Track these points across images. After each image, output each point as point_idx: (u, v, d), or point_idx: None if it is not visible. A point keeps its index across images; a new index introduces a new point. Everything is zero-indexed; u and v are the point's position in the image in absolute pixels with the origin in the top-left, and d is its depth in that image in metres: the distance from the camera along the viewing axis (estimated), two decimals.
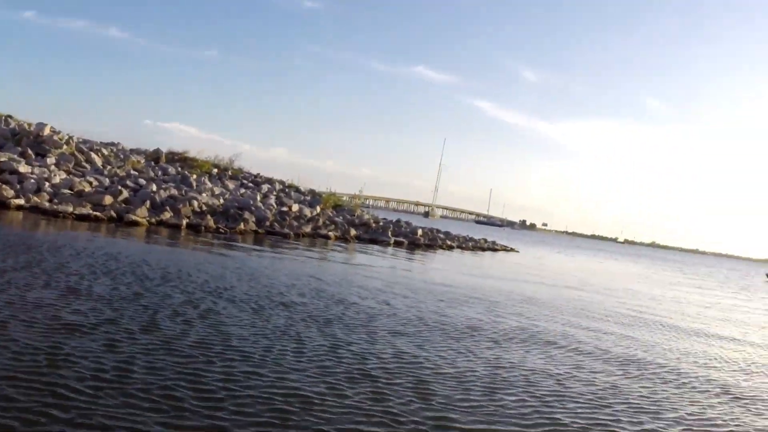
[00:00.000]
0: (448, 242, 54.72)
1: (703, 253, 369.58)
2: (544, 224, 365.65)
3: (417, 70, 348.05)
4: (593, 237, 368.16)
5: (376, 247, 41.57)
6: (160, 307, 13.50)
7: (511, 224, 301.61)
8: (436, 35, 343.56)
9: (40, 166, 35.43)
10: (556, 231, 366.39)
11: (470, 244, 59.36)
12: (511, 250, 66.70)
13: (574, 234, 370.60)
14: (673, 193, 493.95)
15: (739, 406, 12.12)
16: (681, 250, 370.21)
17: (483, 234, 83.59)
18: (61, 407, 7.56)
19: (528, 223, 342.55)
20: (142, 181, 37.92)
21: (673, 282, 54.16)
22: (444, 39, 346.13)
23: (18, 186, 32.29)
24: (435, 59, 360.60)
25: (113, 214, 32.11)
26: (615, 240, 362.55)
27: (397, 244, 46.45)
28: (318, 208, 46.78)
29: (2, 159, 34.37)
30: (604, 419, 10.04)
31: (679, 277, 65.52)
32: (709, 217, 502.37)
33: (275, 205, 43.47)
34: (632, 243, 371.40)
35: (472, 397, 10.19)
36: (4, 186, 31.42)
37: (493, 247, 63.22)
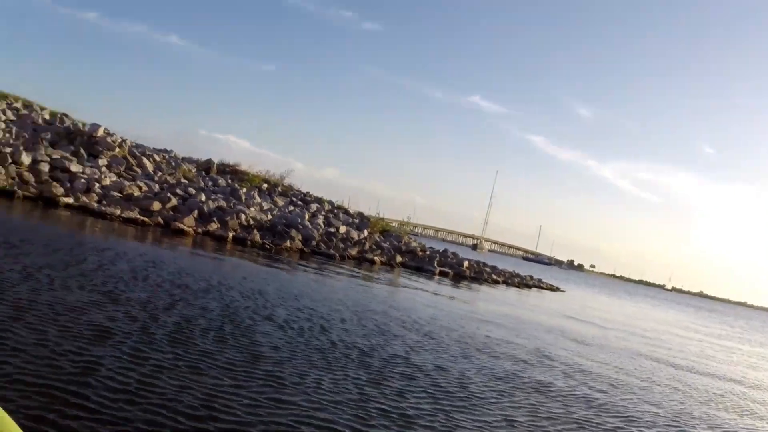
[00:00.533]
0: (494, 276, 53.80)
1: (751, 306, 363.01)
2: (592, 266, 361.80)
3: (473, 100, 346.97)
4: (641, 282, 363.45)
5: (421, 275, 40.89)
6: (195, 321, 13.00)
7: (558, 263, 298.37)
8: (493, 66, 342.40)
9: (91, 167, 35.34)
10: (603, 273, 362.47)
11: (516, 280, 58.39)
12: (557, 289, 65.49)
13: (621, 278, 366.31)
14: (723, 244, 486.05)
15: None
16: (729, 301, 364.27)
17: (530, 271, 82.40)
18: (75, 417, 7.08)
19: (576, 263, 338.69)
20: (191, 190, 37.69)
21: (722, 335, 52.74)
22: (501, 71, 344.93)
23: (68, 185, 32.19)
24: (491, 90, 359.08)
25: (160, 220, 31.89)
26: (662, 287, 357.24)
27: (443, 274, 45.75)
28: (365, 232, 46.26)
29: (55, 156, 34.34)
30: None
31: (727, 330, 63.97)
32: (757, 270, 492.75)
33: (323, 225, 43.01)
34: (680, 291, 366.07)
35: None
36: (54, 183, 31.36)
37: (539, 285, 62.13)
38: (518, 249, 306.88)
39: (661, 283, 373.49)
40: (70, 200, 30.55)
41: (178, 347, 10.73)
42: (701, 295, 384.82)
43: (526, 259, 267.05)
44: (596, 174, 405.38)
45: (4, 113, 39.39)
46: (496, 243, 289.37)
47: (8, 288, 12.14)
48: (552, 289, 63.80)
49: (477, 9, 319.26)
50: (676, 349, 30.68)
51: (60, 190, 30.89)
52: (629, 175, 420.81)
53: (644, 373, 20.12)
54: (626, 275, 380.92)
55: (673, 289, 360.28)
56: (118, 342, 10.27)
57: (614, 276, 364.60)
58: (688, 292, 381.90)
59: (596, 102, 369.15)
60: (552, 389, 14.29)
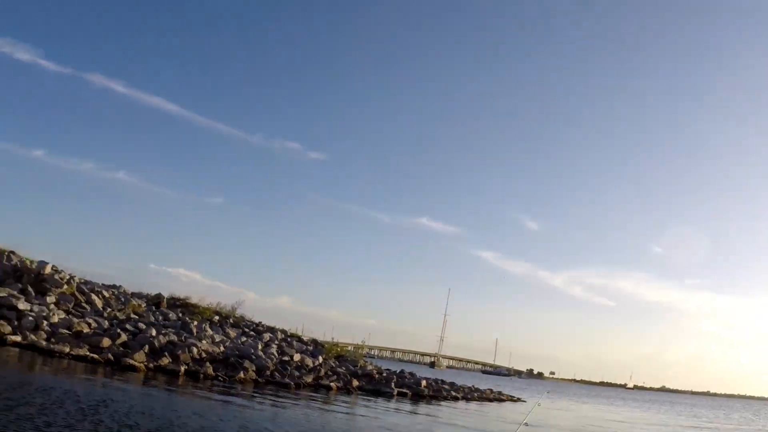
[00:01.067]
0: (453, 393, 53.22)
1: (714, 394, 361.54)
2: (552, 372, 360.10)
3: (421, 222, 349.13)
4: (602, 384, 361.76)
5: (379, 399, 40.35)
6: None
7: (518, 373, 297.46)
8: (439, 187, 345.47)
9: (39, 304, 34.98)
10: (564, 379, 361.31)
11: (476, 394, 57.79)
12: (518, 399, 64.98)
13: (582, 381, 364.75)
14: (679, 337, 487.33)
15: None
16: (692, 393, 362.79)
17: (490, 384, 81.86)
18: None
19: (535, 372, 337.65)
20: (142, 326, 37.24)
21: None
22: (447, 191, 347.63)
23: (16, 323, 31.82)
24: (438, 211, 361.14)
25: (110, 357, 31.40)
26: (624, 386, 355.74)
27: (401, 395, 45.18)
28: (320, 358, 45.85)
29: (2, 294, 33.98)
30: None
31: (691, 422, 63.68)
32: (716, 357, 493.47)
33: (276, 355, 42.56)
34: (642, 388, 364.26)
35: None
36: (1, 321, 31.00)
37: (500, 398, 61.46)
38: (476, 363, 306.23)
39: (623, 383, 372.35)
40: (17, 338, 30.15)
41: None
42: (663, 390, 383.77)
43: (485, 372, 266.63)
44: (548, 284, 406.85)
45: None
46: (453, 359, 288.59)
47: None
48: (513, 399, 63.34)
49: (419, 132, 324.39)
50: None
51: (8, 328, 30.52)
52: (581, 281, 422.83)
53: None
54: (587, 378, 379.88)
55: (635, 387, 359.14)
56: None
57: (575, 380, 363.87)
58: (650, 388, 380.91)
59: (543, 215, 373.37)
60: None
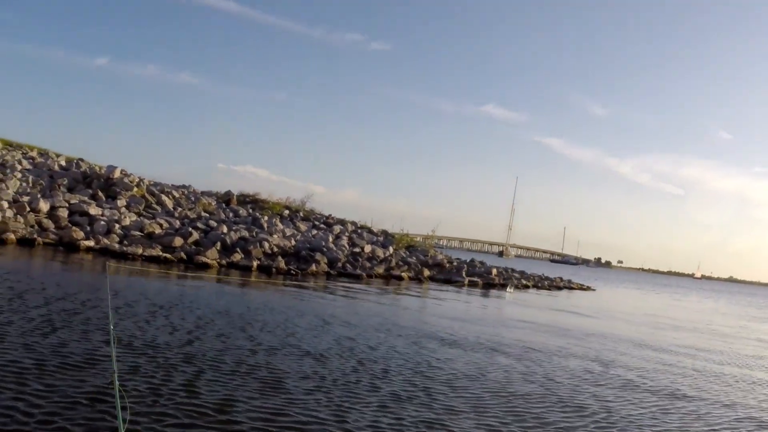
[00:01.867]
0: (524, 281, 53.09)
1: None
2: (620, 261, 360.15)
3: (486, 109, 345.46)
4: (669, 273, 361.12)
5: (450, 287, 40.33)
6: (212, 356, 12.55)
7: (586, 262, 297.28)
8: (504, 73, 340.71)
9: (110, 208, 35.24)
10: (631, 268, 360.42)
11: (546, 282, 57.61)
12: (588, 288, 64.65)
13: (650, 270, 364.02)
14: (748, 227, 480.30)
15: None
16: (760, 284, 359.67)
17: (558, 273, 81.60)
18: None
19: (603, 261, 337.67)
20: (213, 223, 37.42)
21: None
22: (513, 77, 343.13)
23: (88, 228, 32.07)
24: (504, 97, 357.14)
25: (183, 255, 31.61)
26: (692, 276, 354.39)
27: (472, 284, 45.16)
28: (391, 249, 45.81)
29: (73, 201, 34.24)
30: None
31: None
32: None
33: (347, 246, 42.63)
34: (709, 278, 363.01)
35: None
36: (74, 228, 31.21)
37: (569, 286, 61.26)
38: (544, 252, 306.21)
39: (690, 272, 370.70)
40: (90, 243, 30.38)
41: (188, 390, 10.30)
42: (731, 280, 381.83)
43: (553, 261, 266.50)
44: (616, 171, 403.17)
45: (20, 163, 39.42)
46: (521, 248, 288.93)
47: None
48: (583, 288, 63.01)
49: (483, 18, 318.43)
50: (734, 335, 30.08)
51: (80, 234, 30.75)
52: (649, 168, 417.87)
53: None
54: (654, 267, 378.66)
55: (703, 277, 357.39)
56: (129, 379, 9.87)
57: (642, 270, 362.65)
58: (718, 279, 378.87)
59: (610, 99, 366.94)
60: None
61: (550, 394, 12.99)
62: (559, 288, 57.76)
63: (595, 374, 15.91)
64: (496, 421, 10.36)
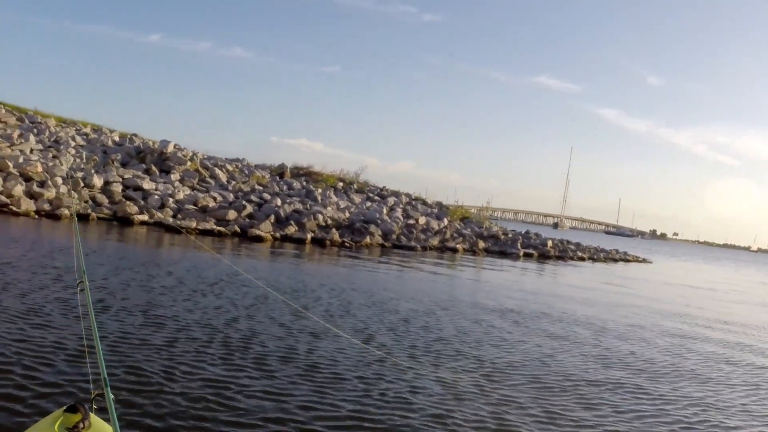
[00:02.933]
0: (579, 253, 52.31)
1: None
2: (675, 234, 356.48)
3: (540, 80, 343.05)
4: (725, 246, 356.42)
5: (505, 260, 39.77)
6: (267, 330, 12.20)
7: (641, 234, 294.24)
8: (558, 43, 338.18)
9: (164, 183, 35.19)
10: (687, 240, 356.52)
11: (602, 255, 56.73)
12: (644, 260, 63.67)
13: (705, 243, 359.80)
14: None
15: None
16: None
17: (613, 244, 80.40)
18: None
19: (658, 233, 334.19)
20: (266, 196, 37.24)
21: None
22: (566, 47, 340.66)
23: (142, 202, 31.99)
24: (558, 67, 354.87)
25: (237, 229, 31.41)
26: (748, 249, 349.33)
27: (527, 255, 44.56)
28: (445, 221, 45.37)
29: (127, 176, 34.23)
30: None
31: None
32: None
33: (402, 218, 42.24)
34: (766, 251, 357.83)
35: None
36: (128, 202, 31.15)
37: (625, 258, 60.27)
38: (599, 224, 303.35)
39: (746, 245, 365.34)
40: (144, 217, 30.32)
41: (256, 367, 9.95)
42: None
43: (608, 233, 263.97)
44: (671, 142, 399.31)
45: (74, 139, 39.46)
46: (576, 219, 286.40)
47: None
48: (638, 260, 62.04)
49: None
50: None
51: (134, 209, 30.67)
52: (705, 139, 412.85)
53: None
54: (710, 240, 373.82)
55: (759, 250, 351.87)
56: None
57: (698, 242, 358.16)
58: None
59: (665, 69, 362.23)
60: None
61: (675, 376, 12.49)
62: (615, 260, 56.92)
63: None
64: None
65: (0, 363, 8.20)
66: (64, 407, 4.14)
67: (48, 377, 7.90)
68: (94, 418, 4.14)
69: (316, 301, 15.80)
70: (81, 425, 4.00)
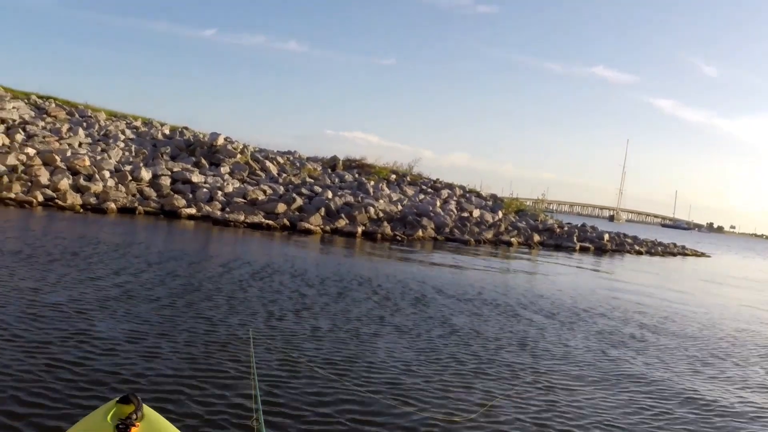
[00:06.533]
0: (636, 247, 51.05)
1: None
2: (732, 227, 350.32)
3: (596, 71, 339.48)
4: None
5: (561, 253, 38.72)
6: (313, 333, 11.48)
7: (698, 227, 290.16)
8: (613, 34, 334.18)
9: (213, 175, 34.75)
10: (744, 233, 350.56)
11: (659, 248, 55.30)
12: (702, 254, 62.14)
13: (763, 236, 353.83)
14: None
15: None
16: None
17: (669, 238, 78.46)
18: None
19: (715, 226, 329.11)
20: (317, 189, 36.63)
21: None
22: (621, 37, 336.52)
23: (190, 195, 31.61)
24: (613, 58, 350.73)
25: (286, 222, 30.84)
26: None
27: (583, 249, 43.44)
28: (500, 213, 44.44)
29: (176, 169, 33.85)
30: None
31: None
32: None
33: (455, 211, 41.41)
34: None
35: None
36: (176, 196, 30.77)
37: (683, 252, 58.76)
38: (655, 216, 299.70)
39: None
40: (192, 211, 29.90)
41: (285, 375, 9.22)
42: None
43: (664, 225, 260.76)
44: (728, 132, 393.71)
45: (123, 133, 39.23)
46: (632, 212, 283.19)
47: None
48: (697, 254, 60.52)
49: None
50: None
51: (182, 202, 30.29)
52: (763, 128, 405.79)
53: None
54: None
55: None
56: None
57: (755, 235, 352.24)
58: None
59: (721, 59, 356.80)
60: None
61: None
62: (673, 254, 55.53)
63: None
64: None
65: None
66: (117, 398, 4.13)
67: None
68: (147, 409, 4.12)
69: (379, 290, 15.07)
70: (134, 416, 3.97)
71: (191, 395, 7.27)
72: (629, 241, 52.83)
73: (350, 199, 36.11)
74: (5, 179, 27.60)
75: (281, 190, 35.35)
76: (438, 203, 41.58)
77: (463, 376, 9.24)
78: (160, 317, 10.65)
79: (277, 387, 7.84)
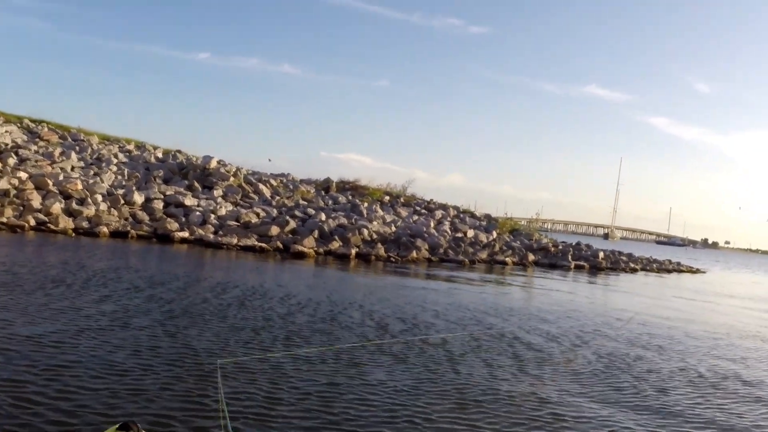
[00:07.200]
0: (632, 264, 50.96)
1: None
2: (727, 242, 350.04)
3: (589, 90, 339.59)
4: None
5: (556, 272, 38.63)
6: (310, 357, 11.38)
7: (692, 243, 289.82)
8: (606, 53, 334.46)
9: (206, 198, 34.72)
10: (739, 249, 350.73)
11: (654, 265, 55.21)
12: (698, 271, 62.10)
13: (758, 251, 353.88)
14: None
15: None
16: None
17: (664, 254, 78.48)
18: None
19: (710, 242, 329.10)
20: (311, 211, 36.57)
21: None
22: (614, 56, 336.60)
23: (183, 219, 31.54)
24: (606, 77, 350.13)
25: (279, 244, 30.78)
26: None
27: (578, 268, 43.36)
28: (494, 233, 44.35)
29: (168, 193, 33.82)
30: None
31: None
32: None
33: (449, 232, 41.31)
34: None
35: None
36: (168, 219, 30.70)
37: (679, 269, 58.59)
38: (650, 233, 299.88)
39: None
40: (185, 234, 29.84)
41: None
42: None
43: (659, 242, 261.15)
44: (721, 149, 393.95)
45: (116, 156, 39.23)
46: (626, 230, 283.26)
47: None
48: (692, 271, 60.45)
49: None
50: None
51: (174, 225, 30.23)
52: (756, 146, 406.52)
53: None
54: (763, 248, 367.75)
55: None
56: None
57: (750, 250, 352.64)
58: None
59: (714, 76, 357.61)
60: None
61: None
62: (669, 271, 55.48)
63: None
64: None
65: None
66: (117, 425, 4.19)
67: None
68: None
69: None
70: None
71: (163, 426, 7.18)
72: (624, 258, 52.76)
73: (344, 221, 36.01)
74: None
75: (274, 212, 35.23)
76: (432, 224, 41.49)
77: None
78: (136, 346, 10.58)
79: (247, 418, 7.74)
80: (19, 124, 40.28)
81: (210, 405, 8.08)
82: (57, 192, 30.06)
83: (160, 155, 43.13)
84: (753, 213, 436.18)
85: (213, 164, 39.42)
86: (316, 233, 32.72)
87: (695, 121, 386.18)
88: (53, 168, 33.33)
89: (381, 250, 33.15)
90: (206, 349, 10.79)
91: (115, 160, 38.09)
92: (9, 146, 34.77)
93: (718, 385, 12.32)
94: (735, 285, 51.34)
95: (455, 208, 49.77)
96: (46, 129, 40.98)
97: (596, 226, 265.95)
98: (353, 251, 32.08)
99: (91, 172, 34.56)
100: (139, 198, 31.98)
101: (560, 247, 48.02)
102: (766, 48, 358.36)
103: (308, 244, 31.14)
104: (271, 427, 7.61)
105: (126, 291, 15.47)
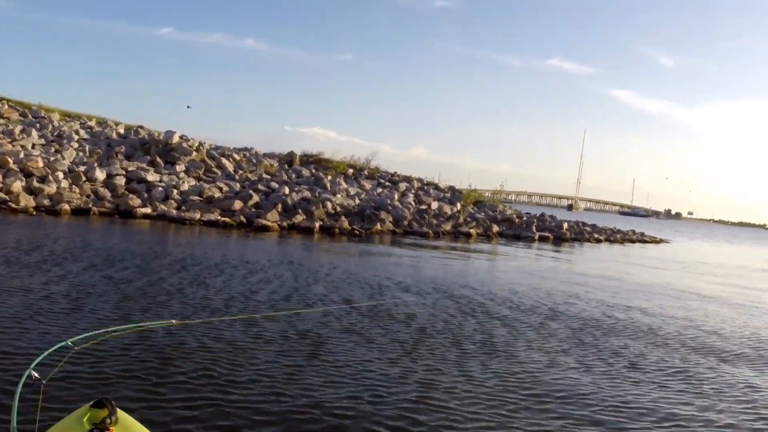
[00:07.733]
0: (596, 235, 51.50)
1: None
2: (690, 213, 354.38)
3: (553, 63, 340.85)
4: (740, 224, 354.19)
5: (520, 243, 38.98)
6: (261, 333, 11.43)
7: (656, 214, 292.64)
8: (570, 26, 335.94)
9: (169, 174, 34.49)
10: (702, 219, 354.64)
11: (618, 236, 55.83)
12: (661, 241, 62.89)
13: (720, 222, 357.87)
14: None
15: None
16: None
17: (628, 225, 79.17)
18: None
19: (673, 212, 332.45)
20: (274, 185, 36.49)
21: None
22: (579, 29, 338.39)
23: (145, 195, 31.35)
24: (570, 50, 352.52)
25: (243, 219, 30.72)
26: (764, 226, 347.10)
27: (542, 239, 43.70)
28: (458, 205, 44.55)
29: (130, 169, 33.58)
30: None
31: None
32: None
33: (413, 204, 41.46)
34: None
35: None
36: (131, 195, 30.50)
37: (642, 239, 59.36)
38: (614, 204, 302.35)
39: (762, 223, 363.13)
40: (147, 210, 29.69)
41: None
42: None
43: (622, 213, 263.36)
44: (684, 122, 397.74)
45: (77, 133, 38.85)
46: (590, 201, 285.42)
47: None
48: (656, 241, 61.22)
49: None
50: None
51: (137, 201, 30.05)
52: (718, 119, 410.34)
53: None
54: (725, 218, 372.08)
55: None
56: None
57: (713, 221, 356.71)
58: None
59: (678, 49, 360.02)
60: None
61: None
62: (632, 241, 56.21)
63: None
64: None
65: None
66: (90, 403, 4.04)
67: None
68: (120, 413, 4.07)
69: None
70: (108, 420, 3.92)
71: None
72: (588, 229, 53.29)
73: (307, 194, 36.00)
74: None
75: (237, 187, 35.15)
76: (396, 196, 41.62)
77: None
78: (84, 328, 9.98)
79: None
80: None
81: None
82: (17, 170, 29.69)
83: (122, 131, 42.86)
84: (714, 185, 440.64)
85: (175, 139, 39.14)
86: (279, 207, 32.70)
87: (660, 95, 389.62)
88: (13, 146, 32.91)
89: (345, 222, 33.23)
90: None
91: (76, 137, 37.72)
92: None
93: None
94: (700, 254, 51.99)
95: (419, 180, 49.87)
96: (6, 106, 40.46)
97: (560, 198, 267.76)
98: (317, 224, 32.11)
99: (52, 150, 34.18)
100: (100, 174, 31.71)
101: (524, 219, 48.40)
102: (730, 22, 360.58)
103: (272, 218, 31.13)
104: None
105: (82, 270, 14.99)
